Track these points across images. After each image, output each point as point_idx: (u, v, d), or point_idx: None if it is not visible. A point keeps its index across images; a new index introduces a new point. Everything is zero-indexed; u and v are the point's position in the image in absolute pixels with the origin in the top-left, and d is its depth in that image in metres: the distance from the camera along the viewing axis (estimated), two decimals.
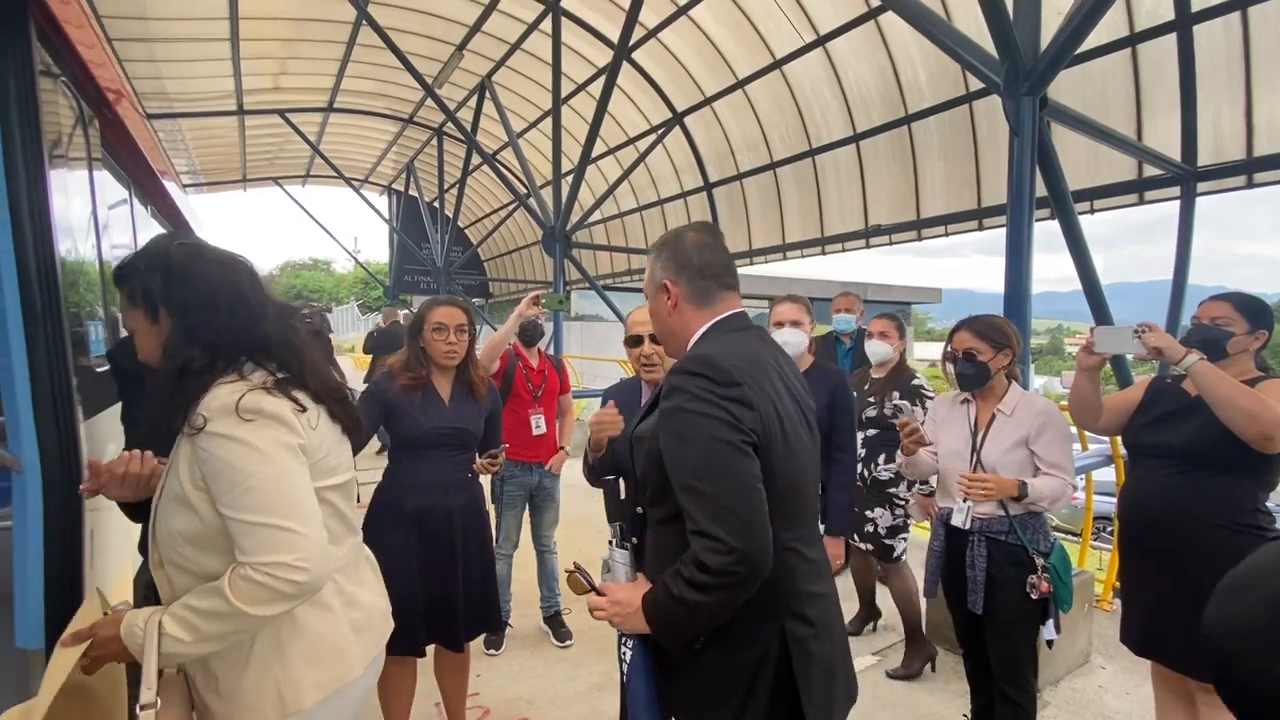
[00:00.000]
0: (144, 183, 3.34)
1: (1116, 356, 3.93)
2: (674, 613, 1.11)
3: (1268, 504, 1.88)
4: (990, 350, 2.10)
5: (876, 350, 3.05)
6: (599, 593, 1.25)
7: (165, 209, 4.00)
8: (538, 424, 3.25)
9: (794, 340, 2.48)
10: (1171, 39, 4.85)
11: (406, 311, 7.05)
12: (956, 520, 2.10)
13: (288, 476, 1.09)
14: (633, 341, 2.05)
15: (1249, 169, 4.73)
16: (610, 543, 1.32)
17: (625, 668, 1.23)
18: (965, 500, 2.08)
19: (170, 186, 4.00)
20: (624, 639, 1.24)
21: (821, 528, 2.36)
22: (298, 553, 1.06)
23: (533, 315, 3.10)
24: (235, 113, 10.90)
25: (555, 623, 3.33)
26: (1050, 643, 2.05)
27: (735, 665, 1.16)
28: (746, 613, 1.14)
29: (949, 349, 2.19)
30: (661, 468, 1.13)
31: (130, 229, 3.03)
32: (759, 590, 1.11)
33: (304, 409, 1.17)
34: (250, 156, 13.67)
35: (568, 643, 3.23)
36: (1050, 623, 2.00)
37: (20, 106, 1.52)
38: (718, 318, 1.28)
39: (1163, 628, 1.95)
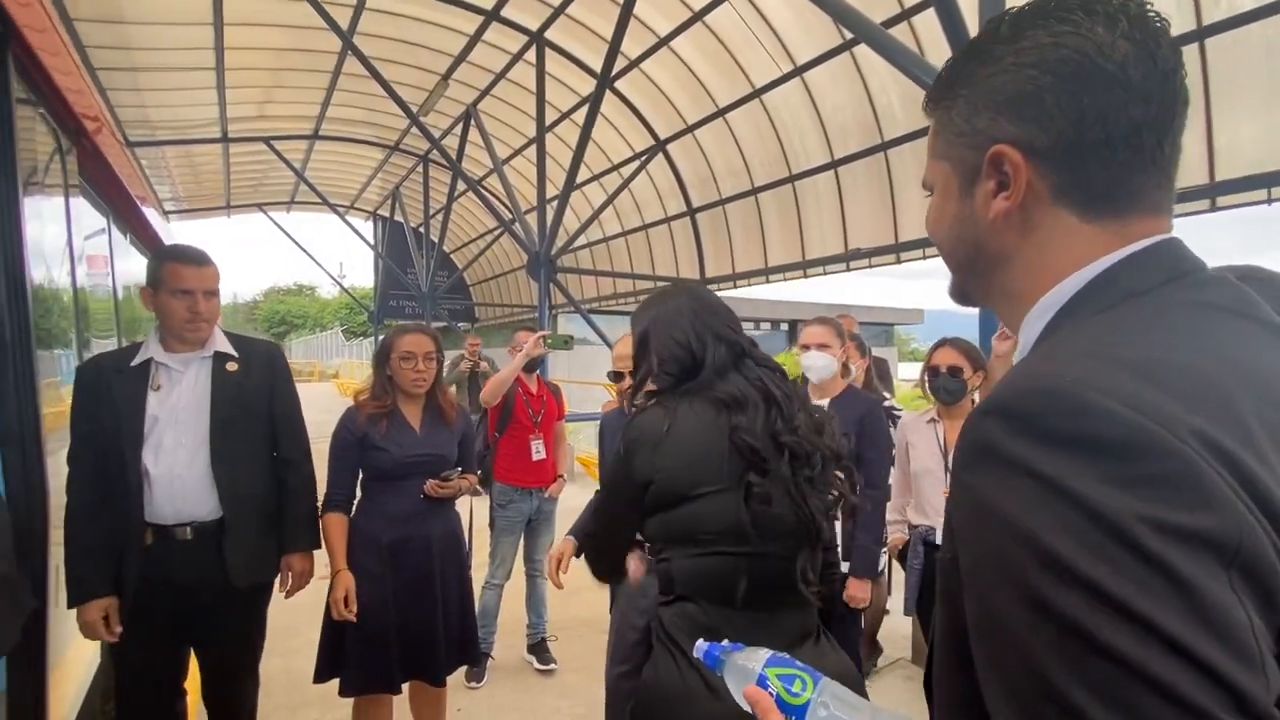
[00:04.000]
0: (123, 211, 3.32)
1: None
2: None
3: None
4: (970, 369, 2.16)
5: (813, 364, 2.44)
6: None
7: (145, 237, 3.97)
8: (538, 449, 3.29)
9: (818, 365, 2.38)
10: None
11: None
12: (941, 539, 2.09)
13: None
14: (614, 377, 2.06)
15: (1212, 193, 4.88)
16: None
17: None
18: None
19: (151, 214, 3.98)
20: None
21: (844, 567, 2.29)
22: None
23: (538, 355, 3.21)
24: (220, 140, 10.90)
25: (539, 649, 3.28)
26: None
27: None
28: None
29: (930, 364, 2.25)
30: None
31: (108, 257, 3.01)
32: None
33: None
34: (235, 183, 13.64)
35: (551, 666, 3.18)
36: None
37: None
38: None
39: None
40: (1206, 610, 0.36)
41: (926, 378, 2.27)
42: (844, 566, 2.31)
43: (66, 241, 2.13)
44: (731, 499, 1.21)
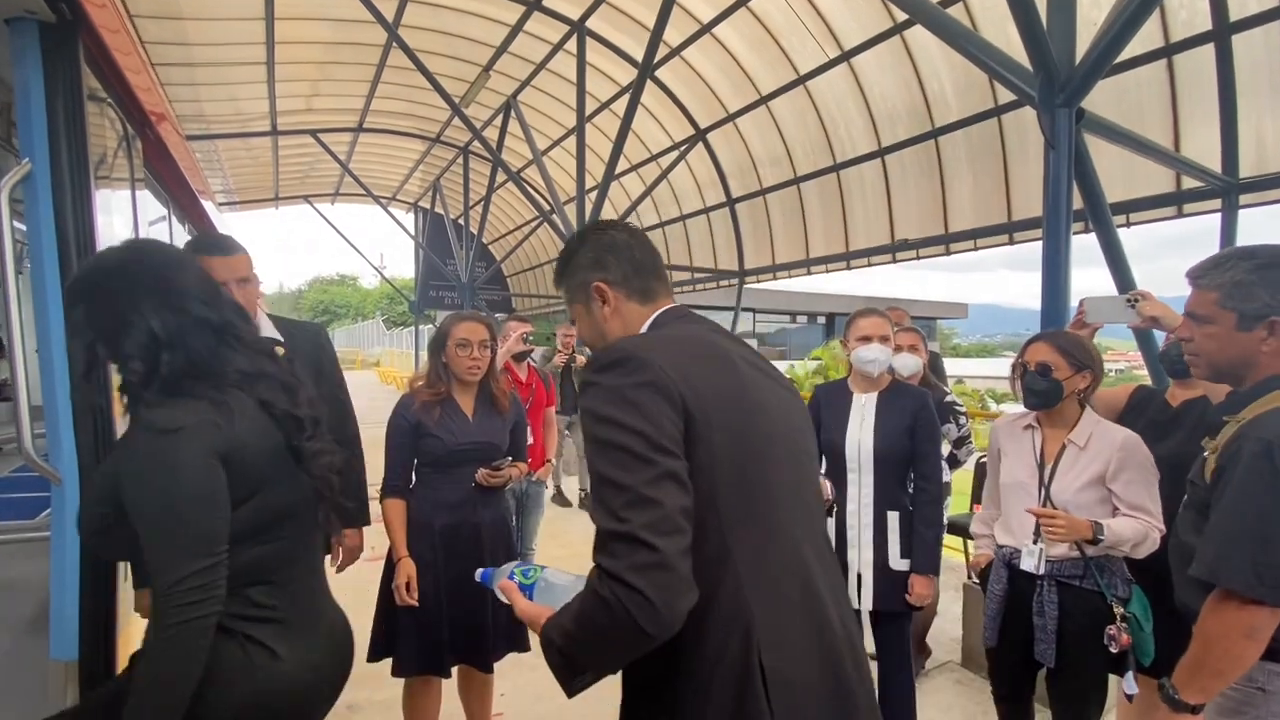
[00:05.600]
0: (182, 202, 3.43)
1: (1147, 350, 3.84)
2: None
3: None
4: (1068, 368, 1.89)
5: (907, 364, 2.85)
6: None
7: (202, 227, 4.09)
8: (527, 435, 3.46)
9: (880, 359, 2.29)
10: (1209, 49, 4.74)
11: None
12: (1027, 564, 1.87)
13: None
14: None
15: None
16: None
17: None
18: (1036, 541, 1.86)
19: (207, 205, 4.10)
20: None
21: (906, 564, 2.22)
22: None
23: (519, 350, 3.54)
24: (269, 133, 11.22)
25: None
26: (1130, 697, 1.82)
27: None
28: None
29: (1020, 360, 1.99)
30: None
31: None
32: None
33: None
34: (283, 175, 14.03)
35: None
36: (1129, 675, 1.78)
37: (68, 128, 1.56)
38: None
39: (1167, 643, 1.74)
40: (646, 412, 0.91)
41: (1015, 375, 2.02)
42: (905, 565, 2.24)
43: (133, 230, 2.20)
44: (292, 483, 1.24)
